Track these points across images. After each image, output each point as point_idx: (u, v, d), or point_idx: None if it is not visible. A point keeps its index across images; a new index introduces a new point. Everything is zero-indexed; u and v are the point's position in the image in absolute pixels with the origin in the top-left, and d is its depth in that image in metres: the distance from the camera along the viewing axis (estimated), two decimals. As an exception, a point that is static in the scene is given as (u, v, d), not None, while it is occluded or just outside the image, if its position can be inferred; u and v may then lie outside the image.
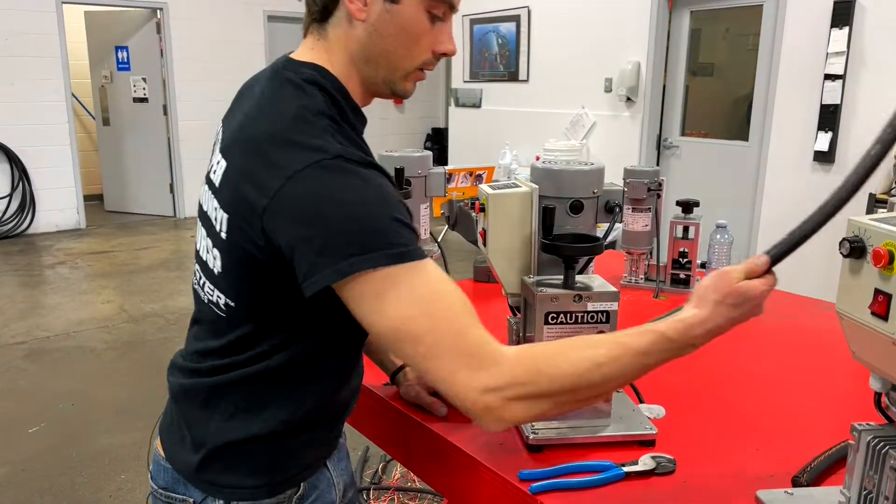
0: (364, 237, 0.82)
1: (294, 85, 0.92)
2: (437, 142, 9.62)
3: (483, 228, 1.20)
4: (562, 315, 1.07)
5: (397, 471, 2.80)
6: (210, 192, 0.96)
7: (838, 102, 4.41)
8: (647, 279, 2.02)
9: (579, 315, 1.07)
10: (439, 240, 1.75)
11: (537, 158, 5.83)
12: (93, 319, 4.68)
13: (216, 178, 0.94)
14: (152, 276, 5.72)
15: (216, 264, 0.94)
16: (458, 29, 7.64)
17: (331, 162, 0.83)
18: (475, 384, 0.82)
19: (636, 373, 0.89)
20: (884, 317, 0.75)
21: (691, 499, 0.98)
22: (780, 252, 0.92)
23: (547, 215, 1.11)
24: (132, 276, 5.75)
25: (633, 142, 5.88)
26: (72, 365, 3.96)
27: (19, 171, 6.98)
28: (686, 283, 1.95)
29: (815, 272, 4.58)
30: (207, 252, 0.96)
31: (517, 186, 1.18)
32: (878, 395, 0.86)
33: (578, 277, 1.11)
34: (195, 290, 1.04)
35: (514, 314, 1.24)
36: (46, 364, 3.97)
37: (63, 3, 7.05)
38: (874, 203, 4.12)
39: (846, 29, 4.32)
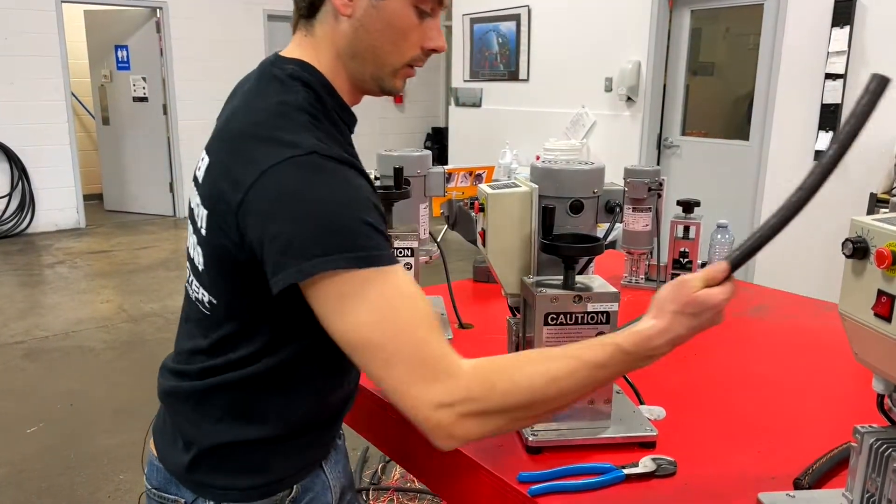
0: (329, 238, 0.80)
1: (278, 81, 0.92)
2: (437, 141, 9.61)
3: (482, 228, 1.19)
4: (562, 316, 1.06)
5: (396, 471, 2.80)
6: (195, 188, 0.96)
7: (839, 102, 4.40)
8: (647, 279, 2.01)
9: (579, 316, 1.06)
10: (439, 240, 1.74)
11: (537, 158, 5.82)
12: (92, 319, 4.68)
13: (200, 175, 0.94)
14: (152, 276, 5.71)
15: (200, 261, 0.94)
16: (459, 28, 7.64)
17: (304, 158, 0.82)
18: (428, 399, 0.80)
19: (593, 386, 0.88)
20: (887, 318, 0.75)
21: (692, 501, 0.98)
22: (739, 258, 0.90)
23: (547, 215, 1.10)
24: (131, 275, 5.75)
25: (633, 141, 5.87)
26: (71, 365, 3.96)
27: (19, 171, 6.98)
28: (686, 283, 1.94)
29: (815, 272, 4.58)
30: (193, 249, 0.97)
31: (517, 186, 1.17)
32: (880, 398, 0.85)
33: (578, 278, 1.10)
34: (185, 288, 1.04)
35: (514, 315, 1.23)
36: (45, 364, 3.96)
37: (62, 2, 7.05)
38: (875, 203, 4.12)
39: (847, 28, 4.31)
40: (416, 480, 2.68)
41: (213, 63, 7.80)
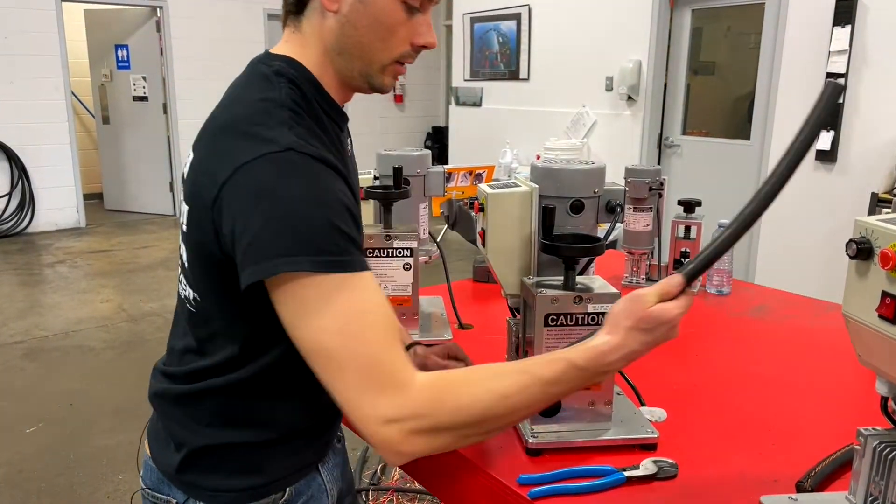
0: (294, 239, 0.79)
1: (264, 78, 0.91)
2: (438, 140, 9.61)
3: (482, 228, 1.18)
4: (562, 317, 1.05)
5: (396, 472, 2.79)
6: (182, 185, 0.96)
7: (840, 101, 4.39)
8: (648, 279, 2.00)
9: (580, 317, 1.06)
10: (438, 239, 1.73)
11: (538, 157, 5.81)
12: (92, 319, 4.67)
13: (185, 171, 0.94)
14: (152, 275, 5.71)
15: (185, 257, 0.94)
16: (459, 27, 7.63)
17: (280, 155, 0.81)
18: (377, 413, 0.80)
19: (544, 402, 0.88)
20: (892, 320, 0.74)
21: (693, 504, 0.97)
22: (694, 271, 0.89)
23: (547, 215, 1.09)
24: (131, 275, 5.74)
25: (634, 141, 5.86)
26: (70, 364, 3.95)
27: (19, 170, 6.97)
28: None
29: (815, 272, 4.57)
30: (181, 245, 0.97)
31: (517, 186, 1.16)
32: (884, 400, 0.84)
33: (579, 278, 1.10)
34: (178, 286, 1.04)
35: (514, 315, 1.22)
36: (45, 363, 3.96)
37: (62, 1, 7.04)
38: (877, 202, 4.11)
39: (848, 27, 4.30)
40: (415, 481, 2.67)
41: (213, 62, 7.79)
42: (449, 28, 9.01)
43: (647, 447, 1.08)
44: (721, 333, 1.70)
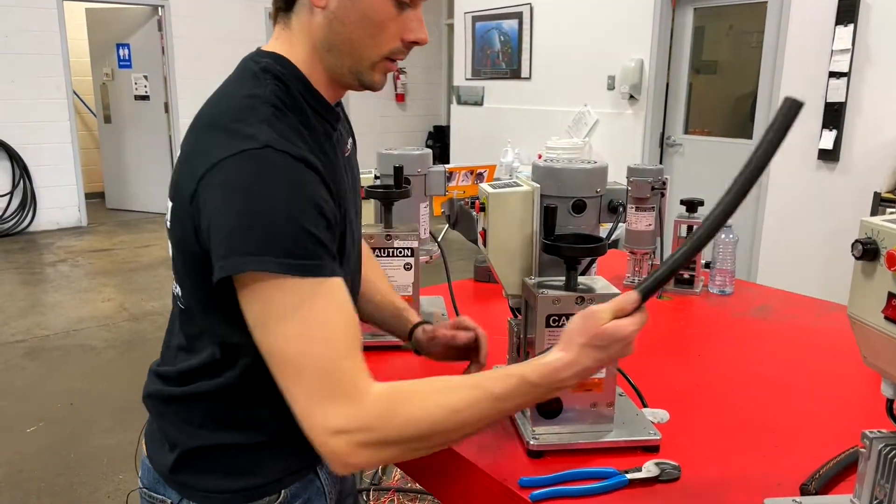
0: (263, 238, 0.79)
1: (251, 74, 0.91)
2: (439, 140, 9.60)
3: (483, 228, 1.17)
4: (563, 317, 1.04)
5: (397, 472, 2.78)
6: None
7: (843, 100, 4.37)
8: (650, 279, 1.99)
9: (581, 317, 1.04)
10: (439, 239, 1.72)
11: (539, 157, 5.80)
12: (93, 318, 4.67)
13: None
14: (153, 274, 5.70)
15: (171, 254, 0.94)
16: (461, 26, 7.62)
17: (257, 152, 0.81)
18: (327, 423, 0.80)
19: (495, 417, 0.88)
20: (898, 322, 0.73)
21: (696, 507, 0.96)
22: (650, 288, 0.90)
23: (548, 215, 1.08)
24: (133, 274, 5.74)
25: (635, 140, 5.85)
26: (71, 364, 3.95)
27: (20, 169, 6.97)
28: (690, 283, 1.92)
29: (816, 271, 4.56)
30: (168, 242, 0.96)
31: (518, 185, 1.15)
32: (889, 402, 0.83)
33: (581, 279, 1.09)
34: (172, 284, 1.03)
35: (515, 316, 1.21)
36: (46, 362, 3.95)
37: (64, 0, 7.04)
38: (879, 202, 4.09)
39: (851, 26, 4.29)
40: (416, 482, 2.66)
41: (214, 61, 7.78)
42: (450, 27, 9.01)
43: (650, 449, 1.07)
44: (723, 334, 1.69)
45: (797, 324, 1.71)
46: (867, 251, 0.76)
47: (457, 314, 1.64)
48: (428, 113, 10.22)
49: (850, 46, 4.30)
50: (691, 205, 1.93)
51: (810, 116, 4.54)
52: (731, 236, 1.92)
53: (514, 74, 7.08)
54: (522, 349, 1.17)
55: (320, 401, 0.80)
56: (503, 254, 1.15)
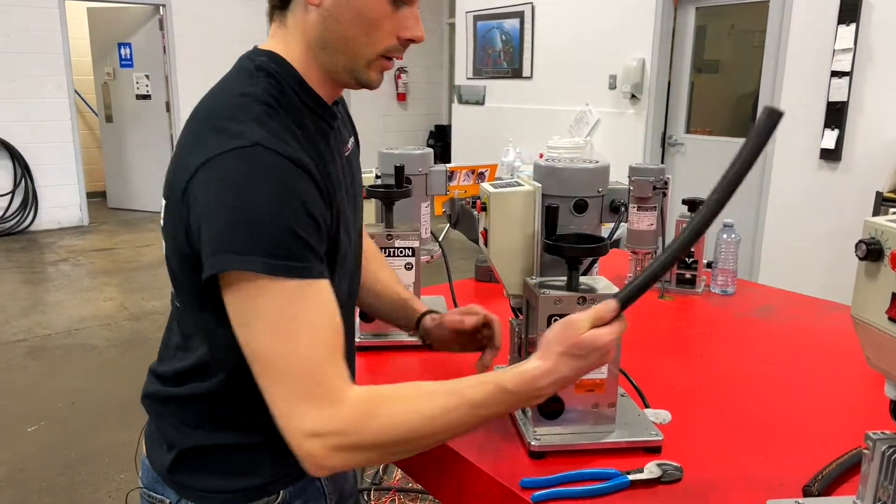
0: (248, 237, 0.78)
1: (245, 72, 0.91)
2: (440, 139, 9.59)
3: (485, 228, 1.17)
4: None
5: (398, 471, 2.78)
6: None
7: (845, 99, 4.36)
8: (652, 279, 1.98)
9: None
10: (440, 239, 1.72)
11: (541, 156, 5.79)
12: (94, 317, 4.67)
13: None
14: (154, 274, 5.70)
15: (165, 252, 0.94)
16: (462, 26, 7.61)
17: (246, 150, 0.80)
18: (304, 426, 0.80)
19: (472, 424, 0.88)
20: (902, 322, 0.72)
21: (698, 508, 0.96)
22: (629, 296, 0.90)
23: (550, 215, 1.08)
24: (134, 273, 5.74)
25: (637, 139, 5.84)
26: (73, 363, 3.95)
27: (22, 168, 6.97)
28: (692, 283, 1.92)
29: (818, 271, 4.55)
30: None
31: (519, 185, 1.15)
32: (893, 404, 0.83)
33: (582, 279, 1.08)
34: None
35: (517, 316, 1.21)
36: (47, 362, 3.95)
37: (65, -1, 7.05)
38: (881, 201, 4.08)
39: (853, 25, 4.27)
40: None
41: (216, 61, 7.75)
42: (452, 26, 9.00)
43: (652, 450, 1.07)
44: (726, 334, 1.68)
45: (800, 324, 1.71)
46: (871, 251, 0.75)
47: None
48: (429, 112, 10.21)
49: (852, 46, 4.29)
50: (693, 204, 1.92)
51: (812, 116, 4.54)
52: (733, 236, 1.92)
53: (516, 74, 7.07)
54: (524, 349, 1.17)
55: (298, 403, 0.80)
56: (504, 254, 1.14)
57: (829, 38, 4.41)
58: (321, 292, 0.83)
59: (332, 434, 0.80)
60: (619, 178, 1.26)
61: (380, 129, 9.41)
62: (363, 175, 1.29)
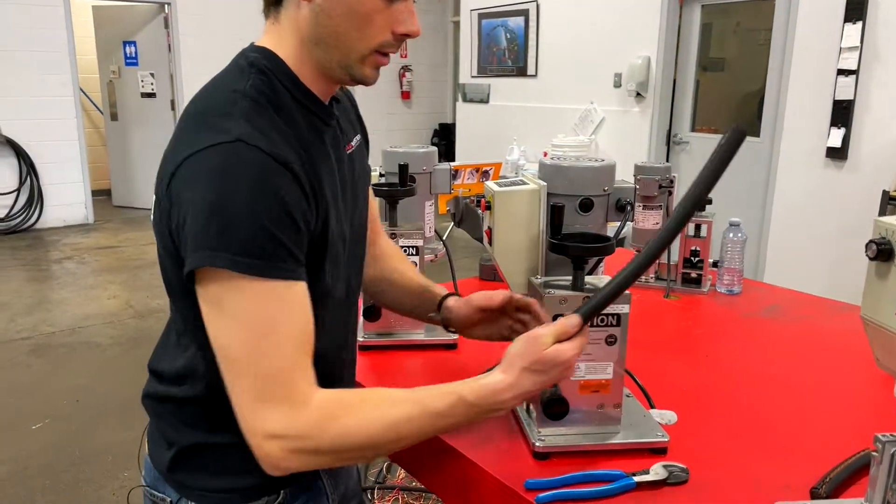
0: (222, 234, 0.78)
1: (237, 68, 0.90)
2: (445, 137, 9.58)
3: (489, 227, 1.16)
4: (570, 317, 1.03)
5: (401, 470, 2.77)
6: None
7: (851, 98, 4.34)
8: (657, 278, 1.97)
9: (589, 318, 1.03)
10: (444, 237, 1.71)
11: (545, 154, 5.78)
12: (99, 315, 4.67)
13: None
14: (158, 272, 5.68)
15: (157, 249, 0.94)
16: (466, 24, 7.60)
17: (227, 146, 0.80)
18: (264, 427, 0.80)
19: (432, 433, 0.89)
20: (913, 324, 0.71)
21: (705, 510, 0.95)
22: (591, 311, 0.92)
23: (555, 214, 1.07)
24: (139, 271, 5.74)
25: (642, 137, 5.82)
26: (77, 361, 3.95)
27: (27, 166, 6.99)
28: (698, 282, 1.91)
29: (824, 270, 4.53)
30: None
31: (524, 184, 1.14)
32: (903, 405, 0.82)
33: (588, 278, 1.07)
34: None
35: (521, 315, 1.20)
36: (51, 359, 3.96)
37: (70, -3, 7.05)
38: (888, 200, 4.06)
39: (860, 24, 4.25)
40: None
41: (220, 59, 7.65)
42: (456, 24, 8.98)
43: (658, 451, 1.06)
44: (732, 334, 1.67)
45: (807, 324, 1.69)
46: (881, 251, 0.74)
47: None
48: (433, 111, 10.20)
49: (858, 44, 4.27)
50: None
51: (819, 114, 4.51)
52: (739, 235, 1.90)
53: (521, 72, 7.06)
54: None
55: (261, 403, 0.81)
56: (509, 253, 1.13)
57: (835, 36, 4.38)
58: (294, 294, 0.83)
59: (293, 437, 0.81)
60: (623, 176, 1.25)
61: (384, 128, 9.41)
62: (367, 173, 1.28)
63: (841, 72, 4.37)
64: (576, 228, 1.10)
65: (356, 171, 1.05)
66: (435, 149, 1.64)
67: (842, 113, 4.40)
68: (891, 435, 0.84)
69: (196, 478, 0.96)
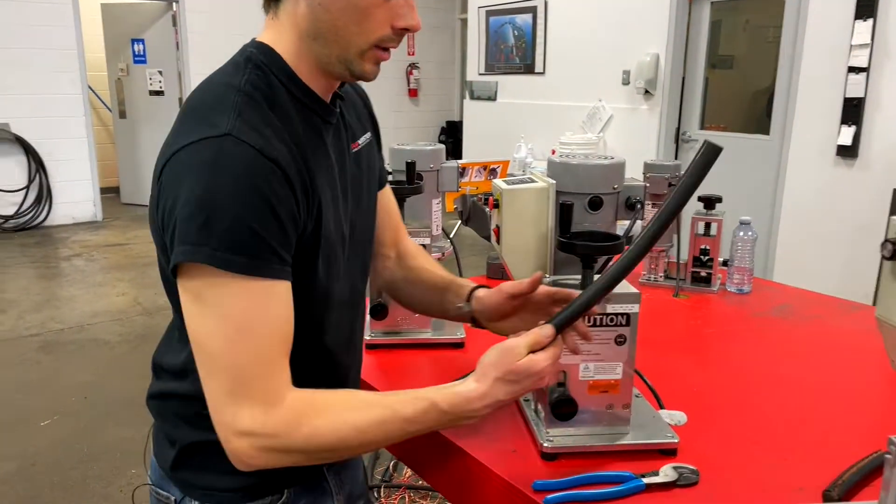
0: (205, 229, 0.77)
1: (235, 64, 0.90)
2: (452, 135, 9.57)
3: (497, 225, 1.15)
4: (579, 317, 1.02)
5: (408, 469, 2.77)
6: None
7: (862, 95, 4.31)
8: (666, 277, 1.96)
9: (598, 318, 1.02)
10: (452, 235, 1.70)
11: (553, 152, 5.76)
12: (107, 312, 4.69)
13: None
14: (166, 269, 5.72)
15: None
16: (474, 21, 7.58)
17: (215, 140, 0.79)
18: (235, 423, 0.81)
19: (402, 437, 0.89)
20: (930, 325, 0.70)
21: (715, 513, 0.94)
22: (564, 321, 0.93)
23: (564, 212, 1.06)
24: (147, 268, 5.76)
25: (650, 135, 5.79)
26: (85, 357, 3.96)
27: (36, 164, 7.01)
28: (707, 281, 1.89)
29: (835, 269, 4.49)
30: None
31: (533, 181, 1.13)
32: (918, 407, 0.80)
33: (597, 277, 1.06)
34: None
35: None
36: (60, 356, 3.97)
37: (79, -5, 7.07)
38: (898, 199, 4.03)
39: (870, 21, 4.22)
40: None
41: (228, 56, 7.75)
42: (464, 21, 8.97)
43: (667, 452, 1.05)
44: (743, 333, 1.65)
45: (819, 324, 1.68)
46: (898, 251, 0.73)
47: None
48: (441, 108, 10.19)
49: (869, 41, 4.23)
50: (709, 201, 1.89)
51: (829, 112, 4.48)
52: (749, 233, 1.89)
53: (528, 69, 7.04)
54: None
55: (233, 400, 0.81)
56: (517, 251, 1.12)
57: (845, 34, 4.35)
58: (275, 293, 0.82)
59: (263, 436, 0.82)
60: (631, 174, 1.23)
61: (391, 125, 9.40)
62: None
63: (851, 69, 4.34)
64: (585, 227, 1.09)
65: (362, 171, 1.04)
66: (442, 146, 1.63)
67: (852, 111, 4.37)
68: (905, 437, 0.83)
69: (199, 476, 0.96)
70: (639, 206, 1.12)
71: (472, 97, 7.84)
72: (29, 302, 4.89)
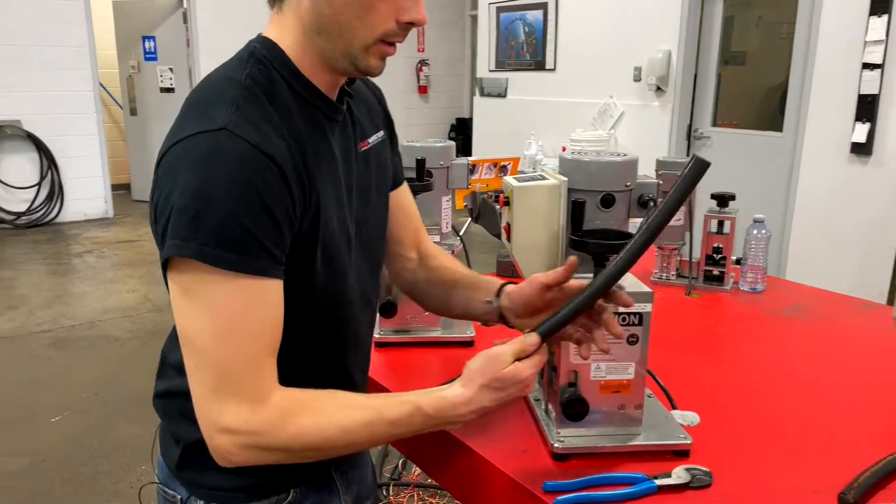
0: (195, 224, 0.77)
1: (238, 59, 0.89)
2: (462, 132, 9.55)
3: (507, 223, 1.14)
4: (591, 316, 1.00)
5: (417, 467, 2.76)
6: None
7: (877, 92, 4.26)
8: (678, 275, 1.94)
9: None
10: (461, 233, 1.69)
11: (563, 149, 5.74)
12: (118, 308, 4.71)
13: None
14: (177, 266, 5.74)
15: None
16: (484, 17, 7.55)
17: (210, 134, 0.79)
18: (218, 420, 0.81)
19: (386, 439, 0.90)
20: (952, 326, 0.68)
21: (729, 515, 0.92)
22: (550, 329, 0.92)
23: (576, 209, 1.04)
24: (157, 265, 5.68)
25: (662, 132, 5.76)
26: (96, 354, 3.98)
27: (48, 161, 7.05)
28: (720, 280, 1.87)
29: (849, 267, 4.45)
30: None
31: (544, 178, 1.11)
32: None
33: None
34: None
35: (540, 313, 1.17)
36: (71, 353, 3.99)
37: (90, -8, 7.10)
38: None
39: (885, 17, 4.17)
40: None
41: (238, 53, 7.80)
42: (474, 18, 8.94)
43: (680, 454, 1.04)
44: (756, 333, 1.63)
45: (833, 323, 1.65)
46: (919, 250, 0.71)
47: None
48: (451, 105, 10.17)
49: (884, 37, 4.19)
50: (722, 199, 1.87)
51: (843, 109, 4.43)
52: (763, 232, 1.86)
53: (539, 66, 7.01)
54: (548, 348, 1.13)
55: (218, 396, 0.81)
56: (528, 249, 1.11)
57: (860, 30, 4.30)
58: (265, 291, 0.81)
59: (246, 434, 0.81)
60: (643, 171, 1.22)
61: (400, 122, 9.26)
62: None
63: (866, 66, 4.29)
64: (596, 224, 1.08)
65: (370, 170, 1.02)
66: (452, 143, 1.62)
67: (867, 107, 4.32)
68: (925, 440, 0.81)
69: (203, 475, 0.95)
70: (651, 203, 1.11)
71: (483, 94, 7.82)
72: (40, 298, 4.91)
